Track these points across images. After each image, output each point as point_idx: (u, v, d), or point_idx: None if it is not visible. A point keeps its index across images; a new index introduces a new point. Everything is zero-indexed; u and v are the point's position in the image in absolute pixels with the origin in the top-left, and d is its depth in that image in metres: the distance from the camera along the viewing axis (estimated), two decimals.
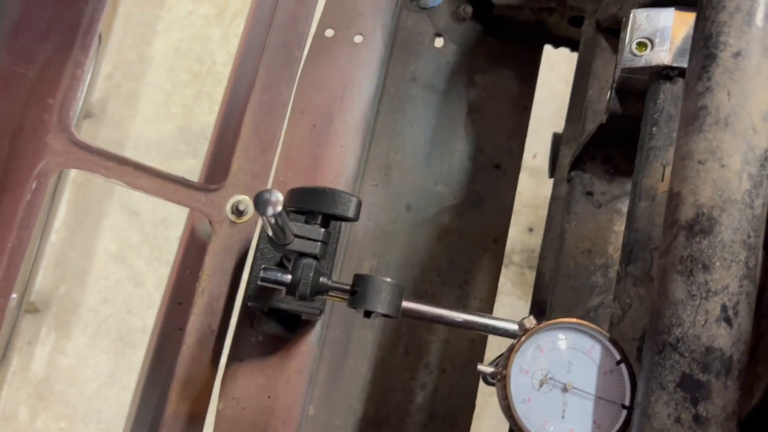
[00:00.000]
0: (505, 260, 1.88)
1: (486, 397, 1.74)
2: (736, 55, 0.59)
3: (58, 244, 1.82)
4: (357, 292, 0.67)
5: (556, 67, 1.92)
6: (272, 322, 0.92)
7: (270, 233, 0.69)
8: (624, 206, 0.94)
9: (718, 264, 0.56)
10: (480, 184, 1.20)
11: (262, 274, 0.71)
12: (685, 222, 0.58)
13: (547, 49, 1.26)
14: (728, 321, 0.56)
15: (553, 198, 1.08)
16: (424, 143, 1.19)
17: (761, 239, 0.58)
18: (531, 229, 1.82)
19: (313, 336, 0.98)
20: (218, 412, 0.94)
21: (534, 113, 1.27)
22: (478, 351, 1.16)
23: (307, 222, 0.72)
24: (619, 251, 0.94)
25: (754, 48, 0.59)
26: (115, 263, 1.82)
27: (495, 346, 1.21)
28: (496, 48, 1.23)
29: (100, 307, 1.80)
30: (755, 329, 0.59)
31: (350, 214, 0.71)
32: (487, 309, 1.22)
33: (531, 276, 1.82)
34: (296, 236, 0.71)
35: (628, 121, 0.89)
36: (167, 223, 1.82)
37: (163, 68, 1.91)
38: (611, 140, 0.94)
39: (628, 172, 0.96)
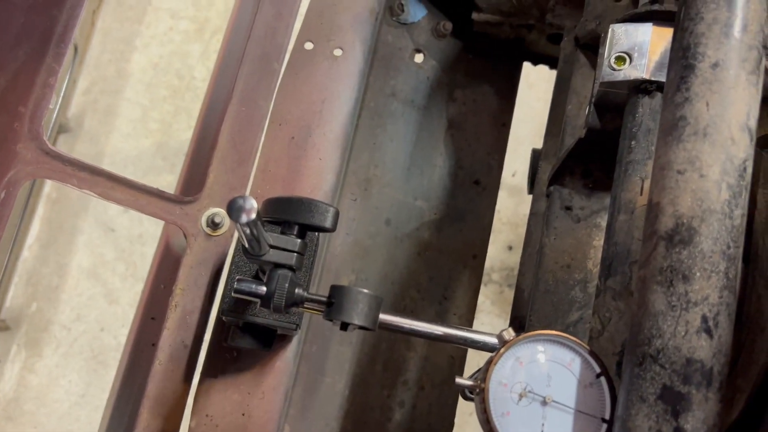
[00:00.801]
0: (485, 278, 1.87)
1: (465, 416, 1.72)
2: (715, 65, 0.59)
3: (31, 261, 1.78)
4: (333, 303, 0.66)
5: (535, 86, 1.93)
6: (247, 337, 0.90)
7: (245, 243, 0.68)
8: (603, 221, 0.94)
9: (698, 274, 0.56)
10: (460, 199, 1.20)
11: (236, 285, 0.69)
12: (664, 232, 0.58)
13: (527, 68, 1.27)
14: (709, 332, 0.55)
15: (532, 213, 1.07)
16: (404, 158, 1.18)
17: (740, 250, 0.57)
18: (510, 248, 1.82)
19: (290, 352, 0.96)
20: (191, 430, 0.92)
21: (513, 132, 1.27)
22: (457, 368, 1.15)
23: (283, 232, 0.70)
24: (599, 266, 0.94)
25: (731, 59, 0.59)
26: (89, 280, 1.78)
27: (474, 364, 1.20)
28: (475, 64, 1.24)
29: (72, 325, 1.77)
30: (735, 342, 0.58)
31: (327, 224, 0.69)
32: (467, 325, 1.21)
33: (510, 294, 1.81)
34: (272, 247, 0.70)
35: (607, 136, 0.89)
36: (143, 239, 1.79)
37: (141, 84, 1.89)
38: (590, 155, 0.94)
39: (607, 187, 0.95)
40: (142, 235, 1.79)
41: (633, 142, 0.81)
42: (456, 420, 1.16)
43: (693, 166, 0.58)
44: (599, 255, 0.93)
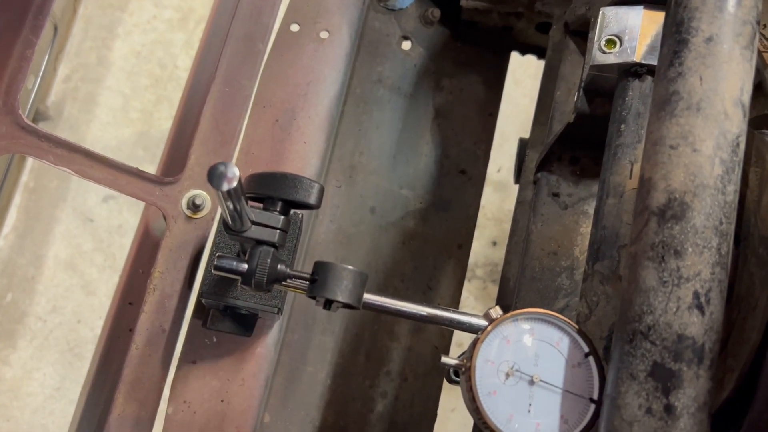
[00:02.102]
0: (468, 274, 1.86)
1: (447, 412, 1.71)
2: (708, 40, 0.58)
3: (6, 251, 1.74)
4: (317, 280, 0.64)
5: (522, 83, 1.93)
6: (227, 321, 0.88)
7: (227, 218, 0.66)
8: (590, 208, 0.93)
9: (690, 250, 0.55)
10: (445, 188, 1.18)
11: (216, 261, 0.67)
12: (656, 208, 0.57)
13: (513, 64, 1.26)
14: (700, 308, 0.54)
15: (519, 202, 1.06)
16: (390, 146, 1.17)
17: (732, 226, 0.56)
18: (495, 243, 1.81)
19: (271, 338, 0.93)
20: (167, 416, 0.89)
21: (499, 128, 1.26)
22: (440, 359, 1.13)
23: (266, 209, 0.69)
24: (585, 253, 0.93)
25: (725, 33, 0.58)
26: (66, 271, 1.75)
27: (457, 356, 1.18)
28: (463, 53, 1.23)
29: (48, 317, 1.73)
30: (725, 321, 0.57)
31: (312, 200, 0.68)
32: None
33: (494, 290, 1.80)
34: (254, 223, 0.68)
35: (596, 122, 0.88)
36: (122, 230, 1.76)
37: (123, 72, 1.86)
38: (578, 141, 0.93)
39: (595, 174, 0.95)
40: (122, 225, 1.76)
41: (622, 126, 0.80)
42: (438, 414, 1.14)
43: (686, 140, 0.57)
44: (586, 242, 0.92)
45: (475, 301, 1.81)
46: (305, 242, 1.07)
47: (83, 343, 1.71)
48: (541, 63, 1.16)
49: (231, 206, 0.63)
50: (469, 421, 1.73)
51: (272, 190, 0.68)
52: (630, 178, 0.79)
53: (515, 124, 1.85)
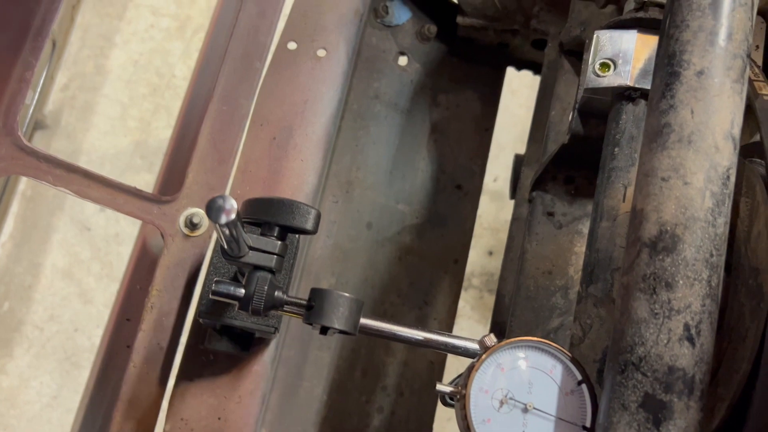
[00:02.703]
0: (465, 283, 1.86)
1: (443, 421, 1.72)
2: (699, 73, 0.59)
3: (3, 259, 1.74)
4: (313, 306, 0.65)
5: (518, 93, 1.94)
6: (224, 340, 0.88)
7: (224, 245, 0.66)
8: (585, 227, 0.94)
9: (681, 282, 0.56)
10: (441, 204, 1.19)
11: (214, 287, 0.67)
12: (648, 239, 0.57)
13: (510, 75, 1.27)
14: (691, 340, 0.55)
15: (514, 219, 1.07)
16: (387, 161, 1.17)
17: (723, 258, 0.57)
18: (491, 253, 1.82)
19: (267, 356, 0.94)
20: None
21: (495, 138, 1.27)
22: (436, 374, 1.14)
23: (263, 234, 0.69)
24: (580, 272, 0.93)
25: (716, 67, 0.59)
26: (64, 280, 1.75)
27: (453, 371, 1.19)
28: (459, 69, 1.23)
29: (45, 325, 1.73)
30: (716, 350, 0.58)
31: (309, 226, 0.68)
32: (447, 330, 1.20)
33: (490, 300, 1.81)
34: (251, 248, 0.68)
35: (590, 143, 0.89)
36: (120, 238, 1.76)
37: (120, 81, 1.86)
38: (573, 161, 0.94)
39: (590, 194, 0.95)
40: (119, 234, 1.77)
41: (616, 149, 0.81)
42: (434, 425, 1.15)
43: (677, 173, 0.58)
44: (581, 261, 0.93)
45: (471, 310, 1.82)
46: (302, 258, 1.08)
47: (80, 352, 1.72)
48: (537, 74, 1.17)
49: (228, 234, 0.63)
50: None
51: (269, 216, 0.69)
52: (623, 201, 0.80)
53: (511, 134, 1.86)
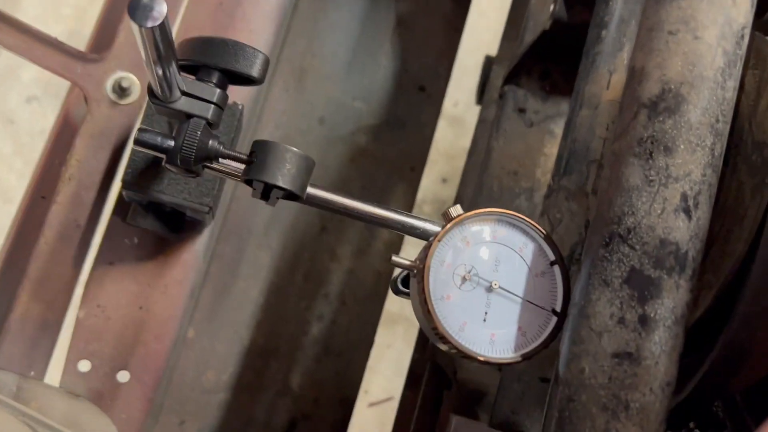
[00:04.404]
0: (415, 210, 1.79)
1: (383, 348, 1.66)
2: None
3: None
4: (255, 161, 0.56)
5: (486, 15, 1.84)
6: (150, 218, 0.78)
7: (153, 84, 0.56)
8: (558, 127, 0.87)
9: (682, 147, 0.48)
10: (401, 105, 1.10)
11: (137, 135, 0.57)
12: (647, 99, 0.50)
13: None
14: (687, 212, 0.48)
15: (481, 121, 0.99)
16: (345, 52, 1.07)
17: (728, 127, 0.50)
18: (444, 180, 1.74)
19: (200, 244, 0.85)
20: (78, 321, 0.80)
21: (458, 61, 1.17)
22: (383, 284, 1.07)
23: (200, 79, 0.59)
24: (548, 175, 0.86)
25: None
26: None
27: None
28: None
29: None
30: (708, 233, 0.51)
31: (254, 72, 0.58)
32: (397, 243, 1.13)
33: None
34: (184, 94, 0.58)
35: (572, 32, 0.81)
36: (46, 134, 1.61)
37: None
38: (551, 54, 0.86)
39: (565, 92, 0.88)
40: (45, 130, 1.62)
41: (603, 32, 0.73)
42: (372, 354, 1.08)
43: (687, 26, 0.50)
44: (550, 164, 0.86)
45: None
46: (245, 142, 0.98)
47: None
48: None
49: (159, 67, 0.53)
50: (404, 358, 1.68)
51: (209, 58, 0.59)
52: (607, 88, 0.72)
53: (476, 59, 1.77)
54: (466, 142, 1.15)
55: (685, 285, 0.48)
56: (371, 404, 1.62)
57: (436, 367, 0.85)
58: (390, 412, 1.54)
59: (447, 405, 0.81)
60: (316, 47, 1.05)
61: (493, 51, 1.10)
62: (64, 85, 0.88)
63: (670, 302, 0.47)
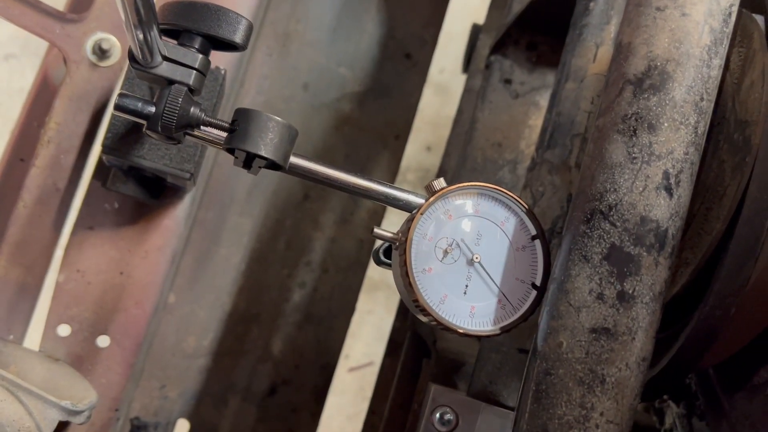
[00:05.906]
0: (399, 178, 1.79)
1: (364, 314, 1.67)
2: None
3: None
4: (237, 130, 0.55)
5: None
6: (131, 183, 0.78)
7: (134, 48, 0.55)
8: (543, 99, 0.86)
9: (666, 125, 0.49)
10: (387, 73, 1.09)
11: (117, 100, 0.56)
12: (633, 76, 0.50)
13: None
14: (669, 190, 0.48)
15: (466, 91, 0.99)
16: (331, 17, 1.05)
17: (712, 106, 0.50)
18: (429, 148, 1.74)
19: (181, 210, 0.84)
20: (58, 285, 0.80)
21: (445, 28, 1.16)
22: (365, 253, 1.07)
23: (181, 44, 0.58)
24: (532, 147, 0.86)
25: None
26: None
27: None
28: None
29: None
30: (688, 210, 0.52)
31: (237, 38, 0.57)
32: (380, 212, 1.13)
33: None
34: (166, 59, 0.57)
35: (560, 3, 0.80)
36: (24, 94, 1.58)
37: None
38: (539, 24, 0.85)
39: (552, 63, 0.87)
40: (24, 89, 1.58)
41: (591, 3, 0.73)
42: (354, 318, 1.08)
43: (675, 2, 0.50)
44: (534, 135, 0.86)
45: None
46: (227, 109, 0.97)
47: None
48: None
49: (139, 31, 0.52)
50: (385, 324, 1.68)
51: (191, 22, 0.57)
52: (594, 62, 0.72)
53: (463, 27, 1.75)
54: (452, 110, 1.14)
55: (664, 263, 0.48)
56: (351, 369, 1.63)
57: (416, 336, 0.86)
58: (370, 377, 1.56)
59: (426, 373, 0.82)
60: (300, 12, 1.03)
61: (481, 19, 1.09)
62: (43, 43, 0.86)
63: (649, 279, 0.48)
